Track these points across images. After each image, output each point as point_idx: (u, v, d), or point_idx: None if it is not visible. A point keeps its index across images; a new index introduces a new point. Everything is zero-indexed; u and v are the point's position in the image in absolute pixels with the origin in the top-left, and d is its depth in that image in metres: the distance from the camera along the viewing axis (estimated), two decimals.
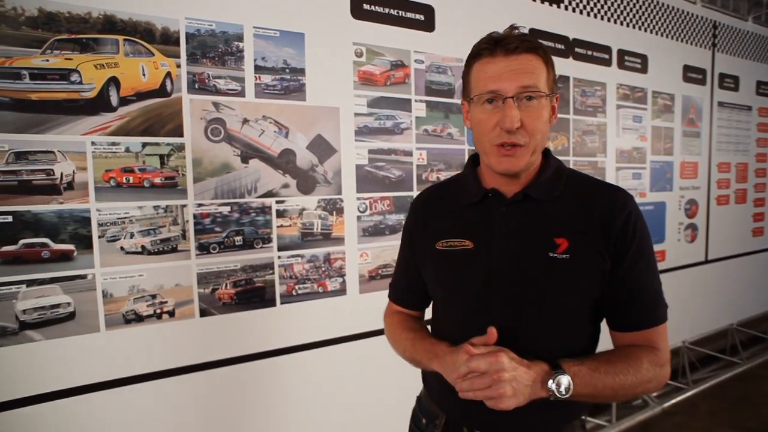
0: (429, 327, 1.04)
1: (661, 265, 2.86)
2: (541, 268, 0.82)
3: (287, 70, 1.66)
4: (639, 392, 0.81)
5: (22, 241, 1.31)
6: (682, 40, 2.98)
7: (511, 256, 0.84)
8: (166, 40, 1.46)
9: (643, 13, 2.75)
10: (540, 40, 0.85)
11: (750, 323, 3.72)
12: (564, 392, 0.74)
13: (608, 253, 0.81)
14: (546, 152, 0.91)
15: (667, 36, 2.89)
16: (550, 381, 0.74)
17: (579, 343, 0.86)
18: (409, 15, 1.92)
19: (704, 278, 3.24)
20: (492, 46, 0.80)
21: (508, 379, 0.72)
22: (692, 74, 3.06)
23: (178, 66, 1.48)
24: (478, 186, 0.91)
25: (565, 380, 0.74)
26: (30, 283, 1.32)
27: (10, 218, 1.29)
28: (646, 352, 0.81)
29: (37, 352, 1.33)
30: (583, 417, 0.91)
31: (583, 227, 0.82)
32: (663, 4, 2.85)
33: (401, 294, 1.09)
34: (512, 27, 0.83)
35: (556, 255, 0.81)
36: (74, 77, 1.34)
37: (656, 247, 2.86)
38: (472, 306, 0.87)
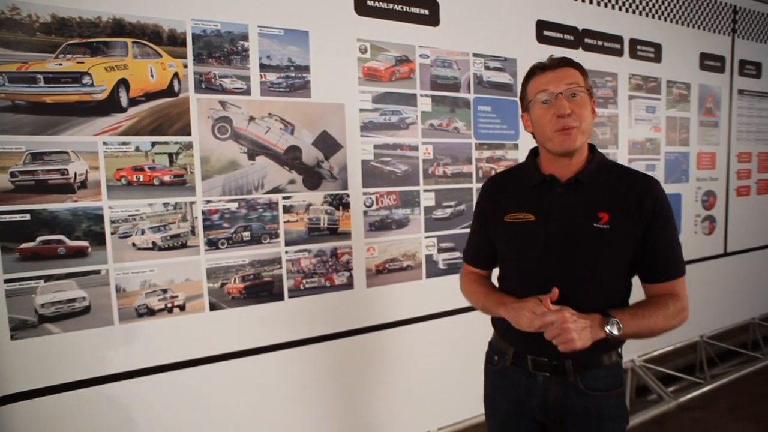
0: (497, 283, 1.28)
1: None
2: (587, 235, 1.06)
3: (292, 68, 1.68)
4: (667, 328, 1.06)
5: (39, 238, 1.37)
6: (698, 27, 2.90)
7: (564, 226, 1.08)
8: (173, 42, 1.50)
9: (657, 1, 2.68)
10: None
11: None
12: (617, 332, 1.00)
13: (640, 225, 1.05)
14: (592, 148, 1.15)
15: (682, 23, 2.81)
16: (607, 326, 1.00)
17: (617, 293, 1.11)
18: (414, 10, 1.92)
19: (723, 271, 3.16)
20: (542, 67, 1.09)
21: (573, 328, 0.97)
22: (710, 62, 2.98)
23: (185, 66, 1.52)
24: (538, 172, 1.15)
25: (616, 324, 1.00)
26: (47, 278, 1.38)
27: (28, 216, 1.35)
28: (670, 299, 1.07)
29: (55, 344, 1.39)
30: (620, 349, 1.16)
31: (621, 204, 1.06)
32: None
33: (473, 257, 1.33)
34: (551, 57, 1.11)
35: (599, 225, 1.05)
36: (86, 80, 1.39)
37: None
38: (535, 266, 1.11)
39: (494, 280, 1.31)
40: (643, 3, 2.62)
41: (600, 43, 2.45)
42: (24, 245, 1.35)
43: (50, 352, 1.39)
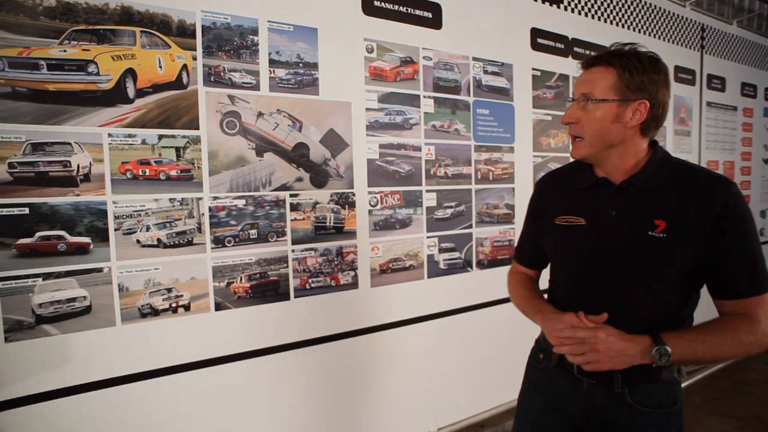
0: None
1: None
2: (640, 244, 0.95)
3: (301, 65, 1.67)
4: (739, 356, 0.93)
5: (38, 234, 1.29)
6: (672, 42, 3.07)
7: (615, 233, 0.98)
8: (183, 33, 1.46)
9: (637, 15, 2.83)
10: (617, 52, 0.97)
11: None
12: (664, 362, 0.87)
13: (705, 235, 0.91)
14: (653, 144, 1.02)
15: (658, 37, 2.97)
16: (653, 351, 0.88)
17: (675, 310, 0.97)
18: (418, 12, 1.94)
19: None
20: (582, 63, 1.01)
21: (603, 350, 0.88)
22: (683, 75, 3.16)
23: (194, 59, 1.48)
24: (590, 175, 1.05)
25: (665, 351, 0.87)
26: (46, 276, 1.30)
27: (26, 210, 1.27)
28: (745, 321, 0.91)
29: (53, 346, 1.31)
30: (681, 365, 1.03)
31: (681, 211, 0.93)
32: (654, 6, 2.93)
33: (523, 256, 1.26)
34: (615, 43, 0.99)
35: (654, 234, 0.94)
36: (91, 68, 1.33)
37: None
38: (581, 274, 1.03)
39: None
40: (625, 16, 2.76)
41: (587, 52, 2.55)
42: (21, 241, 1.27)
43: (48, 355, 1.30)
